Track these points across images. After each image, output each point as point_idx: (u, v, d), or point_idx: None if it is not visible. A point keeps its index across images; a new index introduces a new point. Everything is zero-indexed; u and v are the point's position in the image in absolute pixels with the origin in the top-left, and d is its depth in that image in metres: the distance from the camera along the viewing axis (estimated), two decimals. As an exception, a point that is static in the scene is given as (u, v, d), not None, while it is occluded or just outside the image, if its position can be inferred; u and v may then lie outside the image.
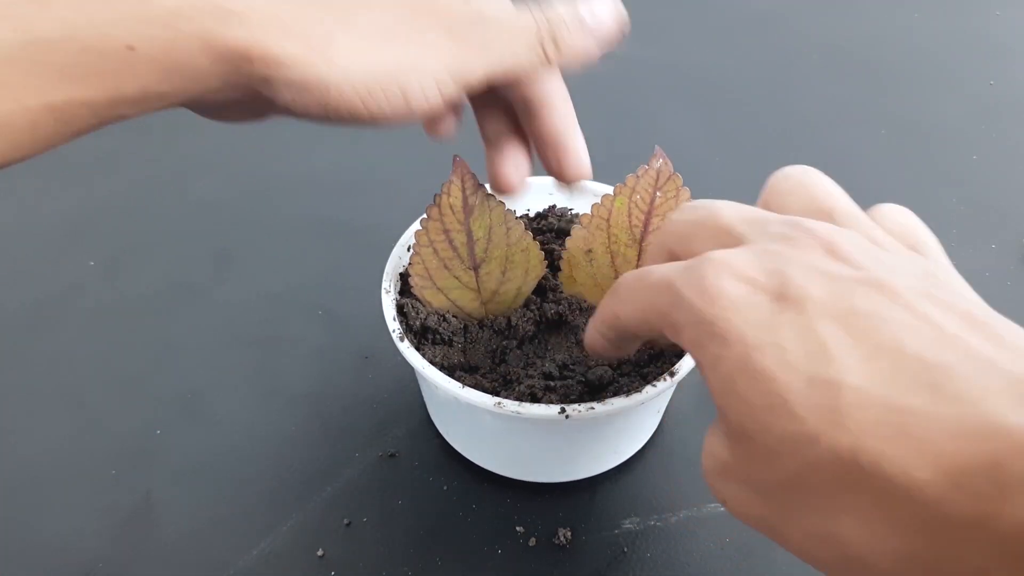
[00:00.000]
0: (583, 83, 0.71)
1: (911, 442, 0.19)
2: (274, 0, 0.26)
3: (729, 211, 0.27)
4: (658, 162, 0.39)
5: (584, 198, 0.46)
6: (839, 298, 0.22)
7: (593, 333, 0.31)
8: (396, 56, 0.27)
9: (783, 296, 0.22)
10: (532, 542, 0.39)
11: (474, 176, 0.38)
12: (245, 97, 0.27)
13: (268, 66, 0.26)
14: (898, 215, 0.28)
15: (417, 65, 0.27)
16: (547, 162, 0.35)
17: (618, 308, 0.28)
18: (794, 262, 0.23)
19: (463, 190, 0.38)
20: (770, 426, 0.21)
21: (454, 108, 0.33)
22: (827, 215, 0.27)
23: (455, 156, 0.38)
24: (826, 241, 0.24)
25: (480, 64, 0.28)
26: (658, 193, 0.39)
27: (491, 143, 0.35)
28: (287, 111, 0.28)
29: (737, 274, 0.23)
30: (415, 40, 0.27)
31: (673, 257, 0.28)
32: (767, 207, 0.29)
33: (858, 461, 0.19)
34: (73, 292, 0.52)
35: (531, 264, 0.40)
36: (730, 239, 0.26)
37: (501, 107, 0.35)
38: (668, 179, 0.39)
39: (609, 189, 0.43)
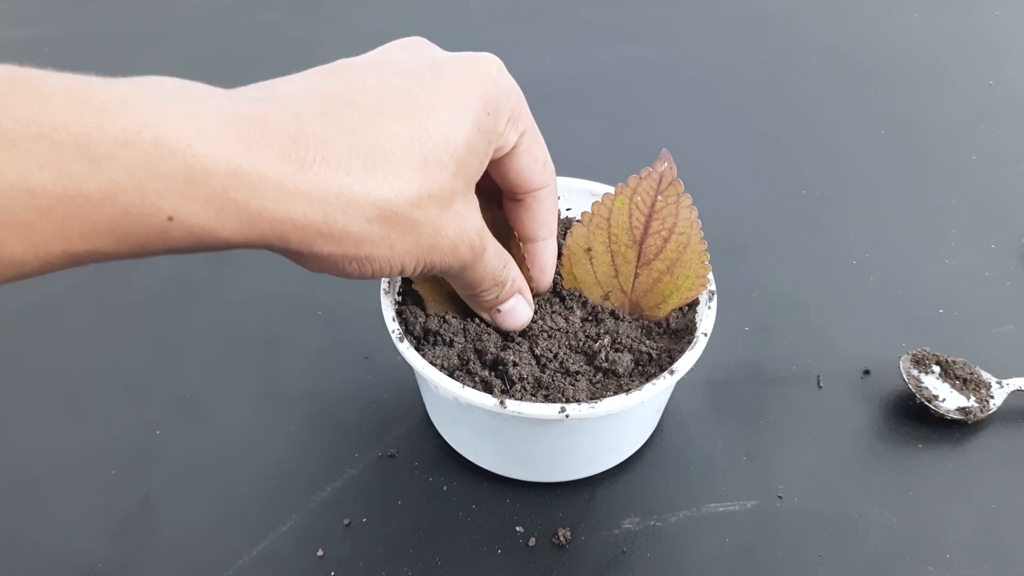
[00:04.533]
0: (584, 82, 0.71)
1: None
2: (323, 196, 0.27)
3: None
4: (663, 165, 0.39)
5: (583, 197, 0.46)
6: None
7: None
8: (374, 248, 0.30)
9: None
10: (532, 542, 0.39)
11: None
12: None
13: (300, 248, 0.28)
14: None
15: (382, 255, 0.31)
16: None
17: None
18: None
19: None
20: None
21: None
22: None
23: None
24: None
25: (420, 263, 0.33)
26: (659, 197, 0.39)
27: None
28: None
29: None
30: (385, 237, 0.30)
31: None
32: None
33: None
34: (73, 292, 0.52)
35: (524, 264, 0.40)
36: None
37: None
38: (670, 184, 0.39)
39: (609, 188, 0.43)
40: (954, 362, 0.46)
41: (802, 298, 0.52)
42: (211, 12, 0.80)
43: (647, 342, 0.40)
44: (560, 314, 0.42)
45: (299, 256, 0.29)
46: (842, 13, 0.82)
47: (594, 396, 0.38)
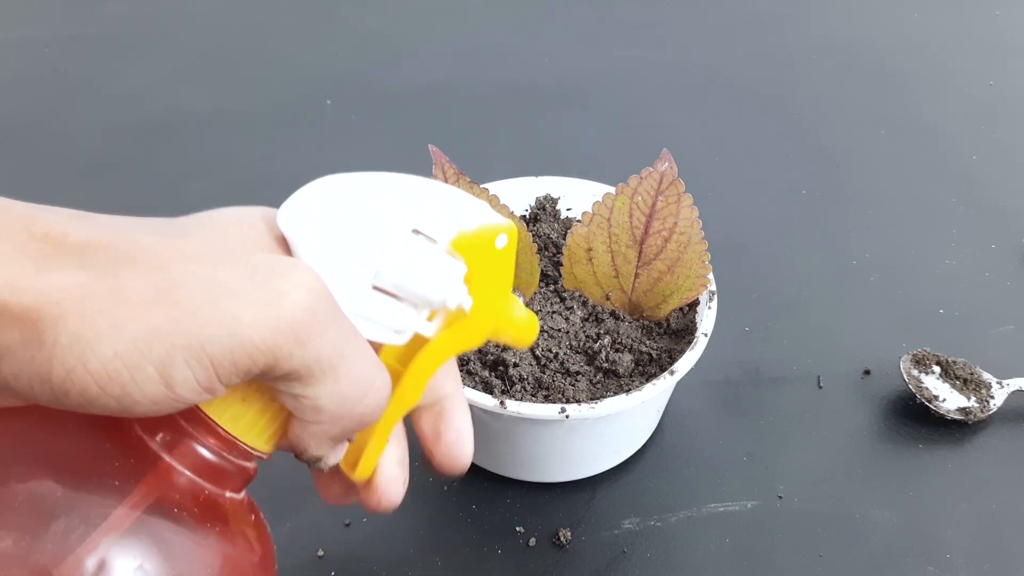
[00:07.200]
0: (585, 82, 0.71)
1: None
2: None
3: None
4: (663, 165, 0.39)
5: (583, 197, 0.46)
6: None
7: None
8: (155, 322, 0.19)
9: None
10: (532, 542, 0.39)
11: (452, 164, 0.39)
12: None
13: None
14: None
15: (183, 332, 0.19)
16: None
17: None
18: None
19: (444, 180, 0.39)
20: None
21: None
22: None
23: (431, 146, 0.38)
24: None
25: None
26: (660, 197, 0.39)
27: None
28: (10, 389, 0.20)
29: None
30: (187, 299, 0.19)
31: None
32: None
33: None
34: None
35: (520, 247, 0.40)
36: None
37: None
38: (671, 184, 0.39)
39: (609, 188, 0.43)
40: (954, 362, 0.46)
41: (802, 298, 0.52)
42: (211, 12, 0.80)
43: (647, 342, 0.40)
44: (560, 314, 0.42)
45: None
46: (843, 13, 0.81)
47: (594, 396, 0.38)
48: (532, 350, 0.40)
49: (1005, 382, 0.46)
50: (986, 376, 0.46)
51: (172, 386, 0.19)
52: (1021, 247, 0.56)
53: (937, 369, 0.46)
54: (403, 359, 0.24)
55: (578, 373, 0.39)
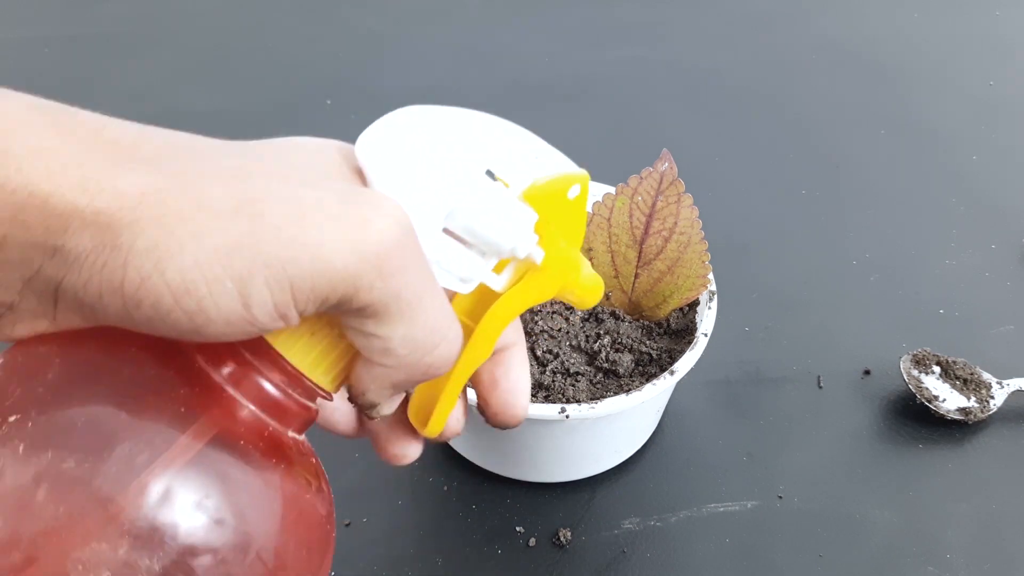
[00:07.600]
0: (584, 82, 0.71)
1: None
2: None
3: None
4: (663, 165, 0.39)
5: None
6: None
7: None
8: (237, 235, 0.18)
9: None
10: (532, 542, 0.39)
11: None
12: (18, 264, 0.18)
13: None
14: None
15: (265, 250, 0.18)
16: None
17: None
18: None
19: None
20: None
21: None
22: None
23: None
24: None
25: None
26: (660, 197, 0.39)
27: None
28: (77, 302, 0.18)
29: None
30: (274, 212, 0.18)
31: None
32: None
33: None
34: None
35: None
36: None
37: None
38: (671, 184, 0.39)
39: (609, 188, 0.43)
40: (954, 362, 0.46)
41: (802, 298, 0.52)
42: (211, 12, 0.80)
43: (647, 342, 0.40)
44: (560, 314, 0.42)
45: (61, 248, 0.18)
46: (843, 13, 0.81)
47: (594, 396, 0.38)
48: (532, 350, 0.40)
49: (1005, 382, 0.46)
50: (986, 376, 0.46)
51: (249, 306, 0.18)
52: (1021, 247, 0.56)
53: (937, 369, 0.46)
54: (472, 314, 0.23)
55: (578, 373, 0.39)
